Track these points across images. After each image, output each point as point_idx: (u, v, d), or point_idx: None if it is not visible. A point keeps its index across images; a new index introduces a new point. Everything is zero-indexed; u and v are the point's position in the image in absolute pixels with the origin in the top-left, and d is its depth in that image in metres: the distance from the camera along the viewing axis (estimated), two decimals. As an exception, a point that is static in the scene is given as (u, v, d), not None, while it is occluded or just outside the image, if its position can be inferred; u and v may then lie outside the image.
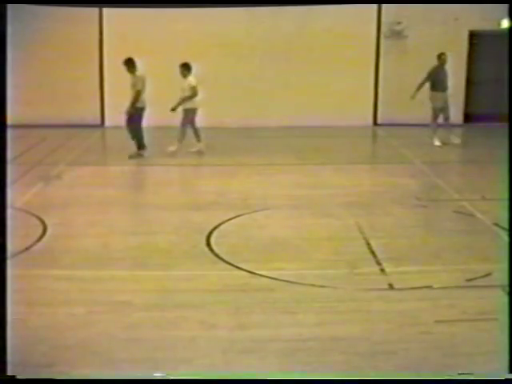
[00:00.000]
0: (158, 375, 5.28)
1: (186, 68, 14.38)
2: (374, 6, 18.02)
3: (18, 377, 4.56)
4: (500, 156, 12.87)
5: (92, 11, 17.45)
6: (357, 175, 12.73)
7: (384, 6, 17.92)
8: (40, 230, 8.88)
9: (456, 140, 15.36)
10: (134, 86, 13.84)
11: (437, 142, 15.30)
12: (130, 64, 13.84)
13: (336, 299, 6.79)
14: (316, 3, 17.07)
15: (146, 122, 14.26)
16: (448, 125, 15.60)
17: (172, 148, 14.13)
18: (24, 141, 14.27)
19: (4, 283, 4.53)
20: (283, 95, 17.96)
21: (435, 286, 7.07)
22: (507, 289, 6.60)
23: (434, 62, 17.35)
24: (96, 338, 5.96)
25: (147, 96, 14.06)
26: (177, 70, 17.51)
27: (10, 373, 4.52)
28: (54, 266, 7.65)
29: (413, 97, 15.14)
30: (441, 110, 15.39)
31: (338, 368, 5.46)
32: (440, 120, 15.52)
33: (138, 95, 13.80)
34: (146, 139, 14.11)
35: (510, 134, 11.92)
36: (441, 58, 15.42)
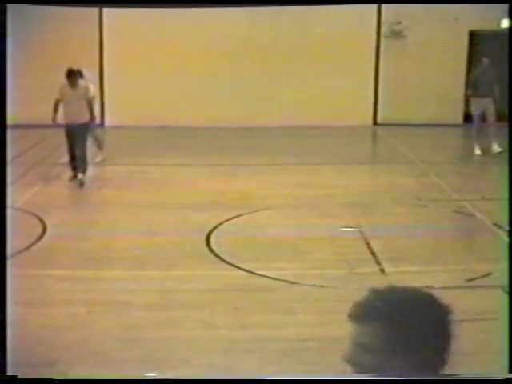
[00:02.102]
0: (157, 375, 5.27)
1: (74, 75, 12.21)
2: (374, 6, 18.00)
3: (19, 377, 4.56)
4: (500, 156, 12.90)
5: (92, 11, 17.44)
6: (357, 175, 12.73)
7: (384, 5, 17.91)
8: (40, 230, 8.88)
9: (477, 151, 14.16)
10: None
11: (477, 151, 14.19)
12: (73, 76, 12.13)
13: (336, 299, 6.79)
14: (316, 3, 17.07)
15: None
16: (487, 131, 14.36)
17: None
18: (24, 141, 14.25)
19: (4, 283, 4.53)
20: (283, 95, 17.95)
21: (435, 286, 7.07)
22: (507, 289, 6.60)
23: (434, 62, 17.44)
24: (96, 337, 5.96)
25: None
26: (177, 70, 17.54)
27: (10, 373, 4.51)
28: (53, 265, 7.65)
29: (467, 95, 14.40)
30: (480, 116, 14.24)
31: (337, 368, 5.44)
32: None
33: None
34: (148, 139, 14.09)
35: (510, 133, 11.98)
36: (481, 62, 14.52)
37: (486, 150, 13.93)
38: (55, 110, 11.62)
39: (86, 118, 11.52)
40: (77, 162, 11.41)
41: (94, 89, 12.89)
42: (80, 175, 11.35)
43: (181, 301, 6.76)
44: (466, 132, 17.92)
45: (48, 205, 10.29)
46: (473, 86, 14.31)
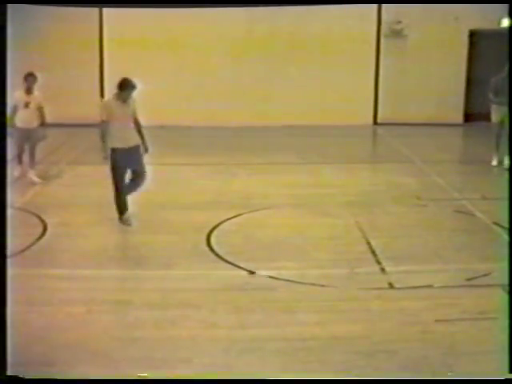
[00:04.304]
0: (157, 375, 5.27)
1: (34, 79, 11.51)
2: (374, 6, 18.02)
3: (18, 377, 4.56)
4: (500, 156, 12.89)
5: (92, 11, 17.45)
6: (357, 174, 12.73)
7: (384, 5, 17.92)
8: (40, 230, 8.88)
9: (494, 162, 13.10)
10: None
11: (494, 162, 13.11)
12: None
13: (336, 298, 6.79)
14: (316, 3, 17.07)
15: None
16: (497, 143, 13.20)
17: (32, 177, 11.65)
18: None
19: (4, 283, 4.53)
20: (283, 94, 17.96)
21: (435, 285, 7.07)
22: (507, 288, 6.60)
23: (434, 62, 17.39)
24: (96, 337, 5.95)
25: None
26: (177, 70, 17.52)
27: (9, 373, 4.51)
28: (53, 265, 7.65)
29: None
30: (499, 125, 13.06)
31: (338, 367, 5.45)
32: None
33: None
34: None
35: (510, 133, 11.96)
36: (506, 67, 12.91)
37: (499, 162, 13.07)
38: (104, 138, 9.00)
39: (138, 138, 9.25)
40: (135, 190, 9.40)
41: (41, 98, 11.69)
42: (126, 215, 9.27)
43: (181, 300, 6.76)
44: (466, 132, 17.95)
45: (48, 204, 10.29)
46: (494, 92, 13.20)
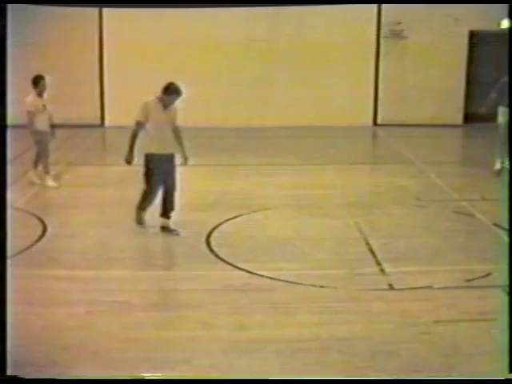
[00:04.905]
0: (157, 375, 5.28)
1: (45, 82, 11.48)
2: (374, 6, 18.02)
3: (18, 377, 4.57)
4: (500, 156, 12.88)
5: (92, 11, 17.45)
6: (357, 175, 12.73)
7: (384, 6, 17.93)
8: (40, 230, 8.88)
9: (498, 165, 12.68)
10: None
11: (497, 165, 12.70)
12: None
13: (336, 299, 6.79)
14: (316, 3, 17.07)
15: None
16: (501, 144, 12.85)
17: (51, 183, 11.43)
18: (24, 141, 14.24)
19: (4, 283, 4.53)
20: (283, 95, 17.96)
21: (435, 286, 7.08)
22: (507, 289, 6.60)
23: (434, 63, 17.36)
24: (96, 338, 5.96)
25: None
26: (177, 70, 17.49)
27: (10, 373, 4.51)
28: (53, 266, 7.65)
29: (482, 111, 12.96)
30: (505, 126, 12.64)
31: (338, 368, 5.45)
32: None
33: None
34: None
35: (510, 133, 11.95)
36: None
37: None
38: (133, 139, 8.61)
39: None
40: (170, 203, 8.86)
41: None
42: (168, 221, 8.88)
43: (181, 301, 6.77)
44: (466, 132, 17.96)
45: (48, 205, 10.28)
46: (500, 94, 12.75)
